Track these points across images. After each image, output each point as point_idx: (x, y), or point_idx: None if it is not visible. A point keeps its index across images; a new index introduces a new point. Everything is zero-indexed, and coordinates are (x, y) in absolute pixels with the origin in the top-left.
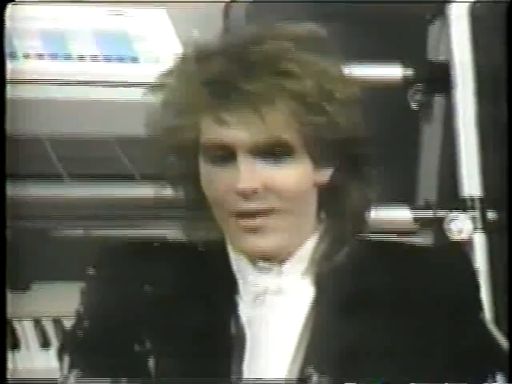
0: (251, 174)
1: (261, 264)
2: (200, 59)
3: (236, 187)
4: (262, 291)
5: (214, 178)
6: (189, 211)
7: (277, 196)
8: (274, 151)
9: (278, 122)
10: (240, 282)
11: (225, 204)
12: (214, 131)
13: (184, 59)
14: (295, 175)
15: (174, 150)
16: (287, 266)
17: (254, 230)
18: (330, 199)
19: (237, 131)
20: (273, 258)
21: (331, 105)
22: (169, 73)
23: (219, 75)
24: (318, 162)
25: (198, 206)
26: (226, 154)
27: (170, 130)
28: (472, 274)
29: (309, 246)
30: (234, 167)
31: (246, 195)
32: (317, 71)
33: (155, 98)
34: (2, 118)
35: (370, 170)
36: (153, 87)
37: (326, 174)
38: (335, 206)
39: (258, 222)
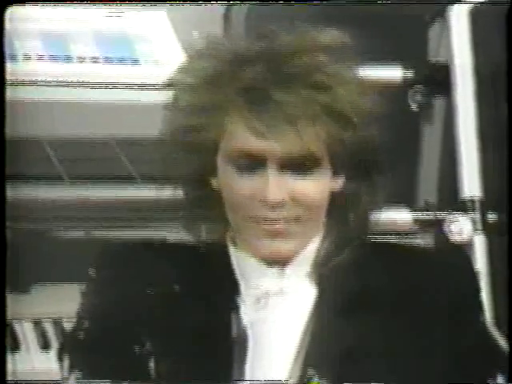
0: (279, 185)
1: (265, 266)
2: (236, 63)
3: (264, 198)
4: (264, 293)
5: (239, 185)
6: (190, 212)
7: (301, 205)
8: (303, 163)
9: (311, 137)
10: (241, 284)
11: (246, 209)
12: (245, 138)
13: (218, 60)
14: (320, 186)
15: (191, 148)
16: (289, 268)
17: (275, 236)
18: (338, 204)
19: (271, 142)
20: (286, 262)
21: (359, 119)
22: (192, 70)
23: (255, 83)
24: (337, 172)
25: (200, 205)
26: (254, 163)
27: (192, 128)
28: (473, 276)
29: (311, 249)
30: (262, 177)
31: (272, 206)
32: (348, 84)
33: (174, 95)
34: (2, 119)
35: (380, 178)
36: (171, 83)
37: (340, 182)
38: (343, 211)
39: (279, 227)
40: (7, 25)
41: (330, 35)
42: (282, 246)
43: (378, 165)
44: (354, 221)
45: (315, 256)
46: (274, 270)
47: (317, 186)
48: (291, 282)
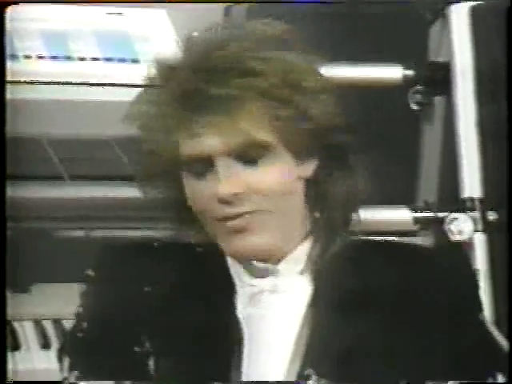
0: (231, 178)
1: (255, 264)
2: (165, 76)
3: (217, 194)
4: (258, 291)
5: (197, 190)
6: (184, 215)
7: (260, 196)
8: (250, 152)
9: (250, 123)
10: (237, 282)
11: (209, 212)
12: (190, 144)
13: (150, 80)
14: (275, 173)
15: (158, 172)
16: (282, 265)
17: (241, 231)
18: (317, 192)
19: (210, 140)
20: (267, 259)
21: (299, 96)
22: (138, 99)
23: (185, 87)
24: (298, 156)
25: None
26: (205, 165)
27: (150, 154)
28: (471, 275)
29: (305, 246)
30: (214, 175)
31: (227, 201)
32: (280, 65)
33: (133, 127)
34: (3, 118)
35: (355, 160)
36: (127, 117)
37: (309, 167)
38: (322, 198)
39: (243, 222)
40: (8, 24)
41: (264, 27)
42: (254, 241)
43: (347, 146)
44: (339, 207)
45: (309, 253)
46: (267, 268)
47: (272, 174)
48: (285, 280)
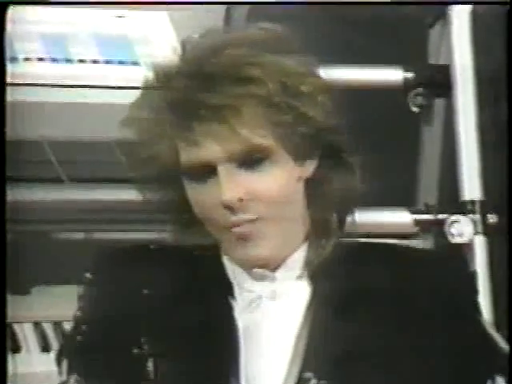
0: (233, 183)
1: (254, 271)
2: (161, 82)
3: (221, 200)
4: (257, 297)
5: (200, 196)
6: (183, 217)
7: (263, 202)
8: (251, 158)
9: (249, 129)
10: (235, 287)
11: (213, 219)
12: (190, 152)
13: (146, 86)
14: (277, 176)
15: (158, 177)
16: (281, 271)
17: (247, 238)
18: (316, 191)
19: (210, 147)
20: (268, 265)
21: (298, 100)
22: (136, 104)
23: (182, 95)
24: (298, 157)
25: (186, 209)
26: (206, 171)
27: (149, 159)
28: (469, 277)
29: (302, 251)
30: (216, 181)
31: (231, 207)
32: (277, 70)
33: (130, 133)
34: (2, 121)
35: (352, 159)
36: (124, 123)
37: (309, 167)
38: (321, 196)
39: (247, 230)
40: (8, 26)
41: (258, 30)
42: (256, 250)
43: (343, 145)
44: (335, 207)
45: (306, 258)
46: (265, 274)
47: (273, 177)
48: (283, 286)
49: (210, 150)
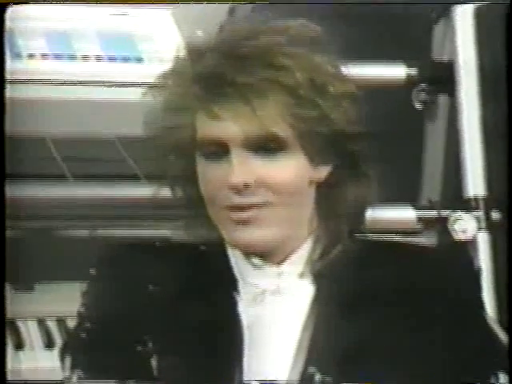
0: (244, 168)
1: (257, 262)
2: (193, 57)
3: (229, 182)
4: (261, 292)
5: (208, 174)
6: (189, 211)
7: (269, 190)
8: (266, 145)
9: (270, 116)
10: (240, 281)
11: (218, 199)
12: (208, 126)
13: (178, 58)
14: (288, 170)
15: (173, 149)
16: (285, 266)
17: (246, 223)
18: (327, 198)
19: (229, 125)
20: (267, 255)
21: (323, 99)
22: (166, 74)
23: (212, 70)
24: (313, 159)
25: (197, 205)
26: (219, 150)
27: (167, 129)
28: (473, 273)
29: (306, 247)
30: (228, 162)
31: (238, 190)
32: (309, 65)
33: (154, 99)
34: (2, 118)
35: (369, 170)
36: (152, 88)
37: (323, 172)
38: (332, 204)
39: (249, 214)
40: (12, 23)
41: (296, 23)
42: (256, 234)
43: (364, 155)
44: (346, 216)
45: (310, 254)
46: (271, 269)
47: (284, 170)
48: (288, 281)
49: (228, 128)
